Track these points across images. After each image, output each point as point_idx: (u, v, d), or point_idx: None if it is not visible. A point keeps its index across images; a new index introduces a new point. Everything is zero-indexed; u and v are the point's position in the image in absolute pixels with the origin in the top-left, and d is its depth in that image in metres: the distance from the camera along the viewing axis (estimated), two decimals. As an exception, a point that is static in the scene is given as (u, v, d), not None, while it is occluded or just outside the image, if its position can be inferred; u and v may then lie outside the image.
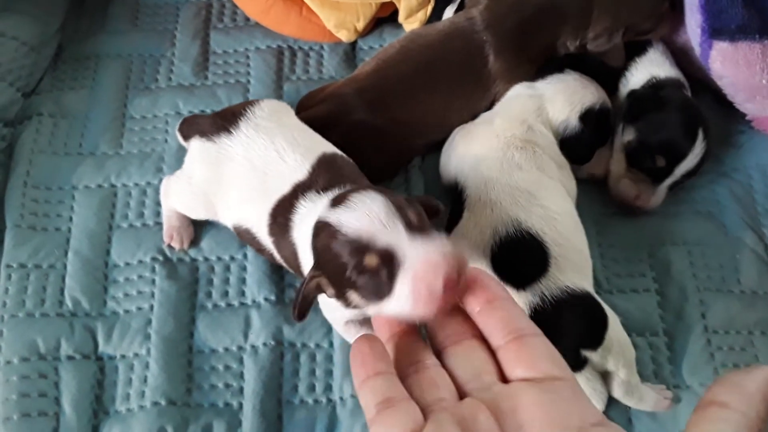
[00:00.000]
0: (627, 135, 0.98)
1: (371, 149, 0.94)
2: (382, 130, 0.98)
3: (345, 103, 0.99)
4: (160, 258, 0.97)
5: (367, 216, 0.62)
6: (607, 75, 1.04)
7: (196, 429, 0.86)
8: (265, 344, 0.91)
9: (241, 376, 0.90)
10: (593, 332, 0.82)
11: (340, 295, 0.67)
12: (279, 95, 1.12)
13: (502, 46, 1.00)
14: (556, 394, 0.50)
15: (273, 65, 1.15)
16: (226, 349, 0.91)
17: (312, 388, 0.89)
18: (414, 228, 0.61)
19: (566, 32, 1.00)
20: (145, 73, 1.15)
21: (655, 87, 1.00)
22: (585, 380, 0.83)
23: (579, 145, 0.98)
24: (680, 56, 1.06)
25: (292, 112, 0.94)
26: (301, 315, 0.69)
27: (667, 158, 0.95)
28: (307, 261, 0.76)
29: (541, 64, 1.02)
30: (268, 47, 1.17)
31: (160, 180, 1.02)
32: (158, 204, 1.01)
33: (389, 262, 0.60)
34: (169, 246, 0.97)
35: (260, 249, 0.90)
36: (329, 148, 0.89)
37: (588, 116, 0.97)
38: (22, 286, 0.94)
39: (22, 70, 1.09)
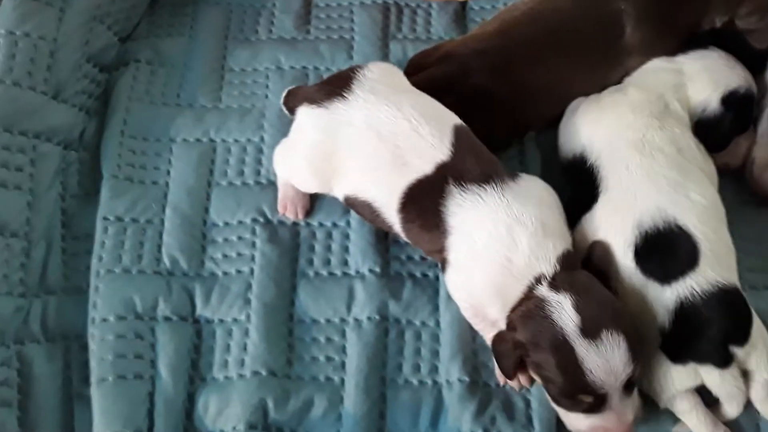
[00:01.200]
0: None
1: (488, 117, 0.88)
2: (502, 96, 0.91)
3: (464, 64, 0.92)
4: (261, 220, 0.92)
5: (607, 369, 0.70)
6: (749, 56, 0.95)
7: (297, 403, 0.82)
8: (369, 318, 0.86)
9: (344, 350, 0.85)
10: (741, 327, 0.77)
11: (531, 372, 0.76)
12: (385, 54, 1.05)
13: (643, 17, 0.91)
14: None
15: (379, 21, 1.08)
16: (328, 321, 0.87)
17: (417, 368, 0.84)
18: (628, 387, 0.72)
19: (717, 6, 0.91)
20: (245, 23, 1.09)
21: None
22: (732, 378, 0.77)
23: (717, 130, 0.89)
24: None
25: (403, 76, 0.88)
26: (508, 374, 0.77)
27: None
28: (462, 253, 0.78)
29: (683, 39, 0.93)
30: (373, 2, 1.10)
31: (261, 138, 0.98)
32: (259, 162, 0.96)
33: (598, 403, 0.71)
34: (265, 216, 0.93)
35: (374, 220, 0.85)
36: (454, 117, 0.83)
37: (731, 99, 0.89)
38: (118, 241, 0.90)
39: (119, 13, 1.05)
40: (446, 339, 0.85)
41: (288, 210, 0.91)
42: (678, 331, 0.76)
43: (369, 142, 0.81)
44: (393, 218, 0.82)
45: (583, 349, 0.69)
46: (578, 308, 0.71)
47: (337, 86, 0.84)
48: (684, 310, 0.75)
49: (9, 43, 0.91)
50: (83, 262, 0.90)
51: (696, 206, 0.79)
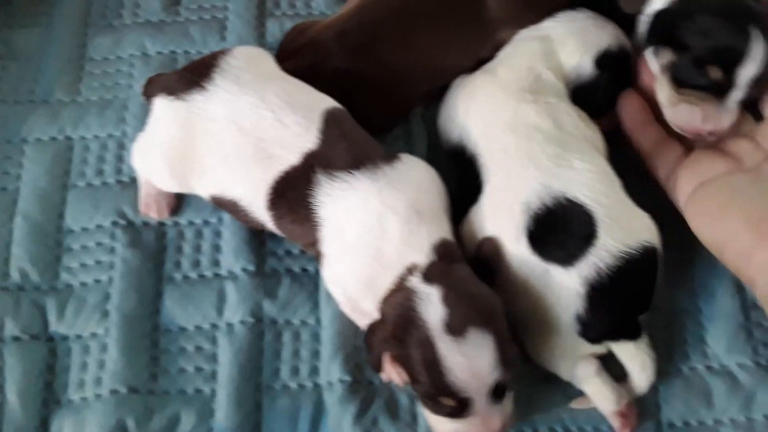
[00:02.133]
0: (662, 57, 0.78)
1: (363, 101, 0.81)
2: (372, 78, 0.84)
3: (325, 51, 0.85)
4: (122, 222, 0.84)
5: (470, 370, 0.63)
6: (621, 19, 0.88)
7: (162, 420, 0.74)
8: (242, 322, 0.79)
9: (215, 358, 0.78)
10: (649, 294, 0.73)
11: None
12: (261, 33, 0.97)
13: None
14: None
15: (254, -1, 1.00)
16: (198, 328, 0.79)
17: (296, 371, 0.77)
18: (497, 392, 0.65)
19: None
20: (108, 8, 1.00)
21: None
22: (645, 346, 0.74)
23: (595, 94, 0.83)
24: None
25: (273, 60, 0.81)
26: (376, 369, 0.69)
27: (722, 66, 0.74)
28: (334, 245, 0.72)
29: (556, 7, 0.86)
30: (249, -22, 1.02)
31: (123, 132, 0.90)
32: (120, 159, 0.88)
33: (461, 408, 0.64)
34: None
35: (245, 219, 0.78)
36: (329, 102, 0.77)
37: (605, 60, 0.82)
38: (-40, 256, 0.82)
39: (-35, 3, 0.96)
40: (327, 337, 0.78)
41: (151, 209, 0.84)
42: (594, 313, 0.71)
43: (230, 137, 0.74)
44: (263, 216, 0.75)
45: (444, 346, 0.63)
46: (447, 302, 0.64)
47: (196, 75, 0.77)
48: (595, 290, 0.70)
49: None
50: None
51: (582, 174, 0.73)
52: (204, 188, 0.78)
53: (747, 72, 0.72)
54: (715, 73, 0.73)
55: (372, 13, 0.85)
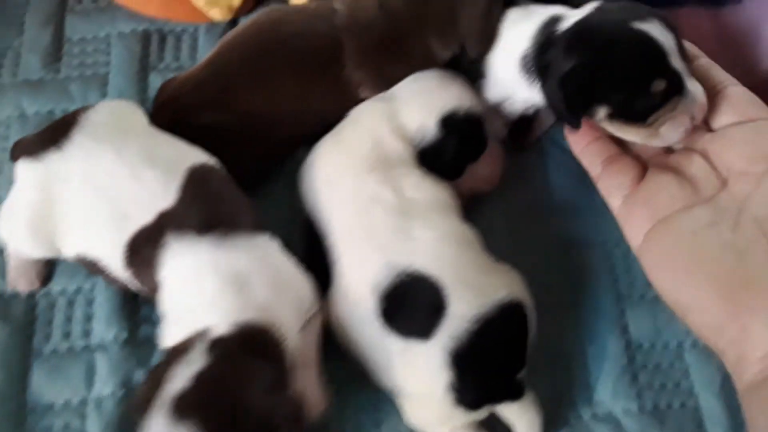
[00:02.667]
0: (601, 111, 0.68)
1: (228, 153, 0.78)
2: (233, 127, 0.82)
3: (182, 106, 0.83)
4: (-9, 294, 0.82)
5: None
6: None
7: (27, 503, 0.72)
8: (112, 394, 0.77)
9: (83, 435, 0.76)
10: (519, 350, 0.71)
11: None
12: (143, 87, 0.96)
13: (362, 59, 0.84)
14: (757, 131, 0.63)
15: (137, 52, 0.98)
16: (66, 404, 0.77)
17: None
18: None
19: (435, 33, 0.84)
20: (-13, 69, 0.98)
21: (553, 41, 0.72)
22: (529, 402, 0.72)
23: (441, 158, 0.79)
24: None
25: (142, 114, 0.79)
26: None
27: (658, 75, 0.65)
28: (171, 306, 0.68)
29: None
30: (132, 31, 1.00)
31: (-4, 195, 0.87)
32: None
33: None
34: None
35: (112, 280, 0.76)
36: (198, 157, 0.75)
37: (450, 121, 0.79)
38: None
39: None
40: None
41: (20, 282, 0.81)
42: (465, 381, 0.69)
43: (85, 197, 0.72)
44: (124, 276, 0.73)
45: (154, 422, 0.59)
46: (196, 382, 0.61)
47: (54, 134, 0.74)
48: (460, 358, 0.68)
49: None
50: None
51: (425, 244, 0.72)
52: (68, 250, 0.75)
53: (677, 63, 0.65)
54: (660, 85, 0.65)
55: (226, 63, 0.84)
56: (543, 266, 0.83)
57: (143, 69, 0.97)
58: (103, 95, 0.95)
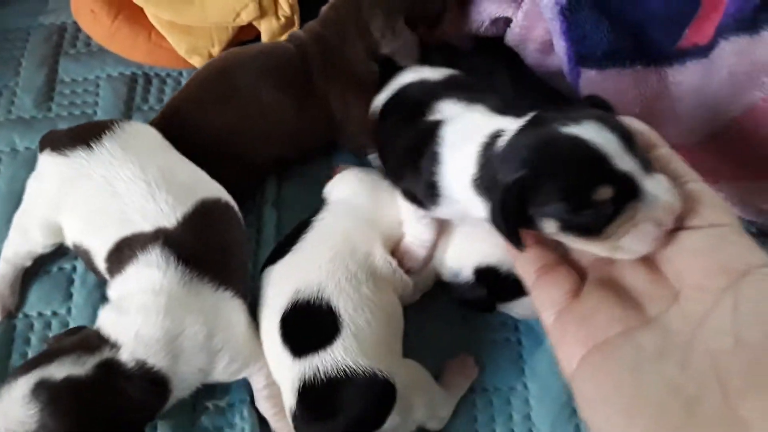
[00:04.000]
0: (549, 226, 0.58)
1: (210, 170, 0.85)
2: (210, 147, 0.88)
3: (168, 127, 0.89)
4: (-29, 316, 0.88)
5: None
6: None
7: None
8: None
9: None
10: (370, 419, 0.74)
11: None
12: (126, 127, 1.03)
13: (322, 64, 0.93)
14: (718, 239, 0.52)
15: (123, 94, 1.06)
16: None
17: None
18: None
19: (355, 42, 0.94)
20: (-17, 105, 1.06)
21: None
22: None
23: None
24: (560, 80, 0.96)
25: (163, 139, 0.86)
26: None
27: (603, 181, 0.55)
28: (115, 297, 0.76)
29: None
30: (120, 74, 1.08)
31: (-16, 227, 0.94)
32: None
33: None
34: None
35: (94, 269, 0.82)
36: (212, 192, 0.81)
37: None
38: None
39: None
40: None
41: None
42: (301, 413, 0.74)
43: (101, 196, 0.78)
44: (102, 267, 0.79)
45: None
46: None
47: (86, 135, 0.81)
48: (306, 389, 0.73)
49: None
50: None
51: (361, 298, 0.77)
52: (69, 237, 0.82)
53: (625, 164, 0.55)
54: (605, 192, 0.55)
55: (192, 88, 0.92)
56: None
57: (128, 109, 1.05)
58: (89, 133, 1.02)
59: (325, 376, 0.73)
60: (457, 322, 0.89)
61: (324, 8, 0.97)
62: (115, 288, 0.76)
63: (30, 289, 0.90)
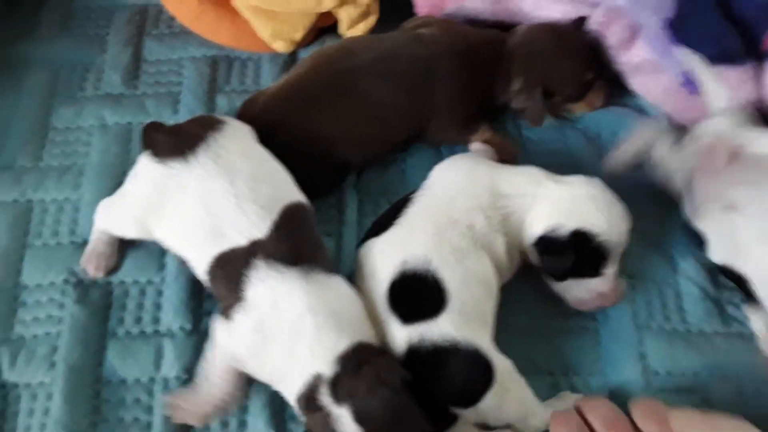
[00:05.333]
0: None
1: (303, 163, 0.90)
2: (310, 141, 0.93)
3: (274, 114, 0.95)
4: (73, 280, 0.92)
5: None
6: None
7: (99, 465, 0.82)
8: (177, 377, 0.87)
9: (151, 410, 0.85)
10: (468, 391, 0.78)
11: None
12: (211, 108, 1.07)
13: (450, 83, 0.97)
14: None
15: (206, 75, 1.10)
16: (137, 381, 0.87)
17: (225, 424, 0.85)
18: None
19: (502, 87, 1.00)
20: (72, 81, 1.10)
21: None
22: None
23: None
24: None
25: (254, 139, 0.89)
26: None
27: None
28: (248, 323, 0.78)
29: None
30: (203, 56, 1.12)
31: (79, 196, 0.98)
32: (74, 222, 0.96)
33: None
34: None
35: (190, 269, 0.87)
36: (292, 195, 0.85)
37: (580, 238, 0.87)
38: None
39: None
40: (255, 393, 0.86)
41: (90, 265, 0.92)
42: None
43: (194, 208, 0.82)
44: (202, 276, 0.84)
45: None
46: (361, 420, 0.71)
47: (183, 145, 0.84)
48: (412, 355, 0.78)
49: None
50: None
51: (465, 272, 0.81)
52: (163, 240, 0.87)
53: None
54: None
55: (314, 79, 0.96)
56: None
57: (212, 90, 1.09)
58: (175, 112, 1.07)
59: (431, 345, 0.78)
60: (534, 310, 0.93)
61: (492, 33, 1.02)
62: (250, 316, 0.79)
63: (126, 257, 0.94)
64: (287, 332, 0.76)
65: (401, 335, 0.79)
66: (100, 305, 0.91)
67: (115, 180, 0.98)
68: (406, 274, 0.81)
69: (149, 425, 0.84)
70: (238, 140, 0.87)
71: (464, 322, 0.79)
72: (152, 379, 0.87)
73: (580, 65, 1.00)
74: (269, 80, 1.10)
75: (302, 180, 0.88)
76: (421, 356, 0.78)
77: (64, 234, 0.96)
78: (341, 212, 0.99)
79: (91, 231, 0.94)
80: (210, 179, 0.82)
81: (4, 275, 0.93)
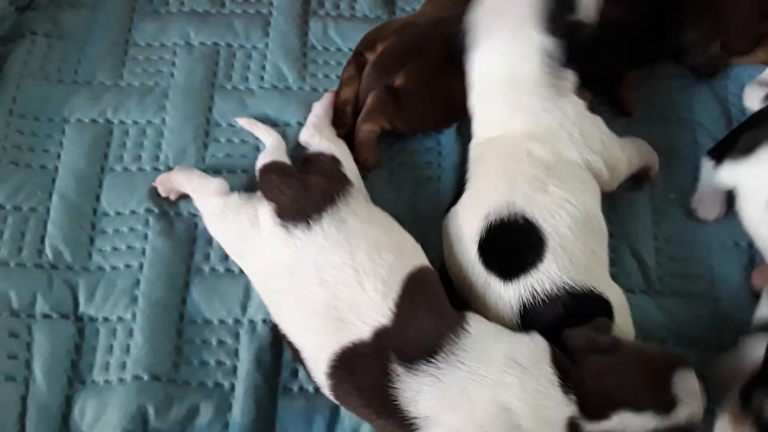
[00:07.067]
0: None
1: (435, 94, 0.85)
2: (453, 72, 0.84)
3: (423, 33, 0.88)
4: (156, 210, 0.86)
5: None
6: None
7: (181, 410, 0.76)
8: (264, 321, 0.80)
9: (236, 353, 0.79)
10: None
11: None
12: (304, 32, 0.99)
13: None
14: None
15: (299, -2, 1.01)
16: (222, 322, 0.81)
17: (313, 375, 0.79)
18: None
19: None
20: (156, -7, 1.02)
21: None
22: None
23: None
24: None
25: (373, 207, 0.80)
26: None
27: None
28: None
29: None
30: (293, -21, 1.03)
31: (162, 120, 0.91)
32: (158, 147, 0.90)
33: None
34: (158, 196, 0.86)
35: (299, 361, 0.75)
36: (415, 259, 0.75)
37: None
38: (-3, 230, 0.84)
39: (16, -21, 0.96)
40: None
41: (162, 186, 0.85)
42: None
43: (309, 283, 0.72)
44: (320, 379, 0.72)
45: None
46: None
47: (309, 206, 0.74)
48: (528, 312, 0.71)
49: None
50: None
51: (552, 200, 0.74)
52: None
53: None
54: None
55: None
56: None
57: (305, 13, 1.00)
58: (265, 35, 0.98)
59: (546, 296, 0.70)
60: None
61: None
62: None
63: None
64: (504, 423, 0.66)
65: (509, 296, 0.72)
66: (184, 239, 0.85)
67: (201, 105, 0.91)
68: (493, 226, 0.74)
69: (234, 370, 0.79)
70: (363, 204, 0.78)
71: (571, 261, 0.71)
72: (238, 321, 0.81)
73: (756, 15, 0.92)
74: (365, 6, 1.02)
75: (422, 113, 0.86)
76: (539, 313, 0.71)
77: (147, 160, 0.89)
78: (441, 156, 0.91)
79: (175, 159, 0.87)
80: (329, 250, 0.72)
81: (81, 200, 0.86)
